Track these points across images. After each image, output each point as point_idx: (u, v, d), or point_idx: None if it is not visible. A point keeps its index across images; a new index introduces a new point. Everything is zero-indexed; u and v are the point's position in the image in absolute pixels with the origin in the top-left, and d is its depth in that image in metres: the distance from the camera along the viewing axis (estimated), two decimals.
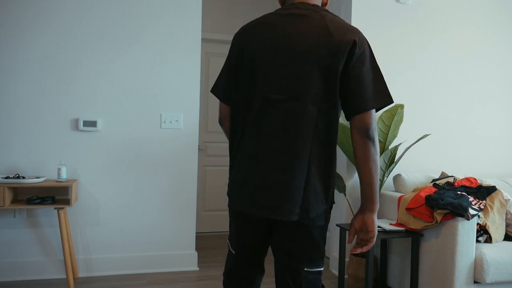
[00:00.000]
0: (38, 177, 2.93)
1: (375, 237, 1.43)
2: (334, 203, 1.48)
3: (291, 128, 1.37)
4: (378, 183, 1.42)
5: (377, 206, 1.43)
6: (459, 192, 2.65)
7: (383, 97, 1.38)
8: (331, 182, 1.43)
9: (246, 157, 1.43)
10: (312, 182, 1.38)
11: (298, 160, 1.36)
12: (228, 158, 4.79)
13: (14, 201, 2.94)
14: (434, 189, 2.74)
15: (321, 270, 1.49)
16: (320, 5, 1.52)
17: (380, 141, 3.13)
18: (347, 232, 3.27)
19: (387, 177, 3.11)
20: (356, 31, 1.39)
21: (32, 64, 3.10)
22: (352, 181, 3.32)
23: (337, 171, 3.40)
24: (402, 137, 3.41)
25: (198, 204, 4.66)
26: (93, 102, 3.21)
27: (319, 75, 1.36)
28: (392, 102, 1.40)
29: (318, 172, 1.39)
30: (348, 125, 2.95)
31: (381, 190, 3.20)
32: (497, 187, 2.89)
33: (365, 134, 1.35)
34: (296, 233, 1.43)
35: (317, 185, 1.39)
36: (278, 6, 4.80)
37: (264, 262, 1.61)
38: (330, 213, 1.47)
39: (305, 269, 1.44)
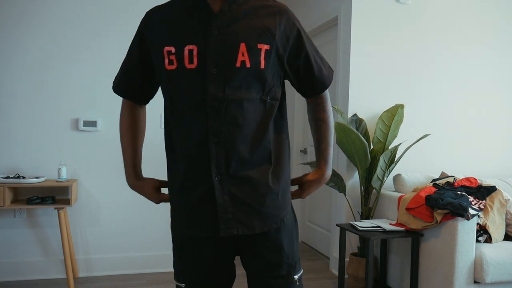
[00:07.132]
0: (38, 177, 2.93)
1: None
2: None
3: None
4: None
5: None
6: (459, 192, 2.65)
7: None
8: None
9: None
10: None
11: None
12: None
13: (14, 201, 2.94)
14: (434, 189, 2.74)
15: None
16: None
17: (380, 141, 3.13)
18: (347, 232, 3.27)
19: (387, 177, 3.11)
20: None
21: (32, 64, 3.10)
22: (352, 181, 3.32)
23: (337, 171, 3.40)
24: (402, 137, 3.41)
25: None
26: (93, 102, 3.21)
27: None
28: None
29: None
30: (348, 125, 2.95)
31: (381, 190, 3.20)
32: (497, 187, 2.89)
33: None
34: None
35: None
36: None
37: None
38: None
39: None
